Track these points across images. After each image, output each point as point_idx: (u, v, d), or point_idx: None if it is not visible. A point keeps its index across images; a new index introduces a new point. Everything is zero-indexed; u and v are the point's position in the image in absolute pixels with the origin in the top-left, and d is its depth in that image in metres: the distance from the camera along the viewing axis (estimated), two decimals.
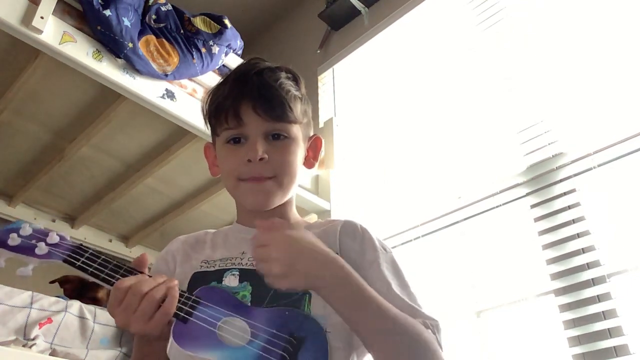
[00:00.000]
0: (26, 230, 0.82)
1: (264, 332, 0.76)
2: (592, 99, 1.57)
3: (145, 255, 0.83)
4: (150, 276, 0.79)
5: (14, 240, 0.80)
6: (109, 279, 0.79)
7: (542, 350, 1.43)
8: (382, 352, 0.76)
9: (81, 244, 0.83)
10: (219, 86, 1.00)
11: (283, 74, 0.97)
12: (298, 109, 0.96)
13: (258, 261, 0.75)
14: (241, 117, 0.91)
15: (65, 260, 0.81)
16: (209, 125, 1.02)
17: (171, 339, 0.75)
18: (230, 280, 0.85)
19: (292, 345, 0.74)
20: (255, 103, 0.91)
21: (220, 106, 0.94)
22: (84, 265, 0.80)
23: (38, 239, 0.81)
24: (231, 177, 0.94)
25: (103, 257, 0.81)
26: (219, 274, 0.87)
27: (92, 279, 0.81)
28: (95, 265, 0.80)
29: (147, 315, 0.74)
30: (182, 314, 0.76)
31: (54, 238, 0.82)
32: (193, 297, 0.78)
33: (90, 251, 0.82)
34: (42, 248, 0.80)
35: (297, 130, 0.96)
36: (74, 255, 0.81)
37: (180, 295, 0.78)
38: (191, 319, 0.76)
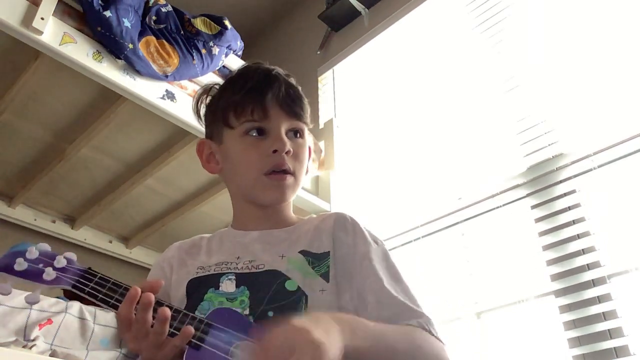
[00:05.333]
0: (33, 254, 0.78)
1: None
2: (593, 100, 1.57)
3: (159, 281, 0.79)
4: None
5: (20, 265, 0.77)
6: (119, 304, 0.76)
7: (542, 351, 1.43)
8: None
9: (89, 268, 0.81)
10: (233, 81, 1.00)
11: (293, 79, 1.01)
12: (309, 113, 1.00)
13: None
14: (268, 110, 0.93)
15: (74, 287, 0.78)
16: (206, 120, 1.03)
17: None
18: (227, 286, 0.85)
19: None
20: (282, 99, 0.94)
21: (245, 98, 0.94)
22: (93, 292, 0.78)
23: (45, 263, 0.78)
24: (253, 170, 0.93)
25: (112, 281, 0.79)
26: (215, 279, 0.86)
27: (102, 305, 0.78)
28: (105, 291, 0.77)
29: (157, 345, 0.73)
30: (195, 341, 0.74)
31: (61, 262, 0.79)
32: (205, 321, 0.76)
33: (99, 275, 0.79)
34: (49, 273, 0.77)
35: (307, 134, 1.00)
36: (83, 281, 0.78)
37: (192, 319, 0.76)
38: (204, 345, 0.74)
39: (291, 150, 0.92)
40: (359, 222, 0.94)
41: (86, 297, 0.78)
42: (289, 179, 0.93)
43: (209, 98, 1.06)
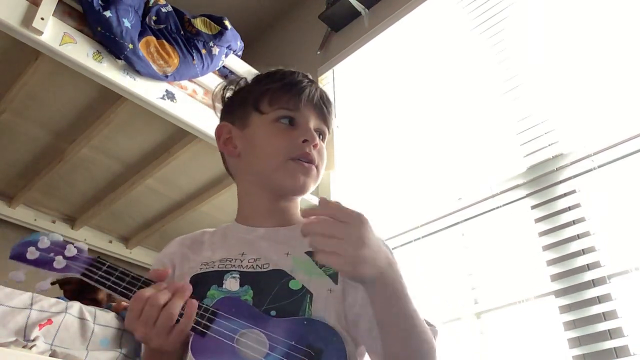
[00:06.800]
0: (44, 243, 0.82)
1: (283, 344, 0.75)
2: (593, 100, 1.57)
3: (167, 270, 0.83)
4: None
5: (32, 254, 0.81)
6: (127, 292, 0.79)
7: (542, 351, 1.43)
8: (395, 345, 0.77)
9: (98, 257, 0.84)
10: (270, 73, 1.04)
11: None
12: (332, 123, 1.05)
13: (324, 251, 0.70)
14: (301, 104, 0.97)
15: (83, 274, 0.81)
16: (230, 106, 1.05)
17: (189, 354, 0.75)
18: (231, 284, 0.84)
19: (310, 357, 0.74)
20: (317, 100, 0.99)
21: (283, 88, 0.98)
22: (101, 279, 0.81)
23: (56, 252, 0.82)
24: (279, 155, 0.94)
25: (120, 269, 0.82)
26: (218, 276, 0.86)
27: (110, 292, 0.81)
28: (113, 279, 0.80)
29: (165, 329, 0.74)
30: (200, 328, 0.76)
31: (71, 251, 0.83)
32: (211, 310, 0.77)
33: (108, 264, 0.82)
34: (60, 262, 0.81)
35: (327, 141, 1.03)
36: (92, 269, 0.82)
37: (199, 308, 0.77)
38: (209, 332, 0.75)
39: (319, 144, 0.96)
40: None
41: (95, 284, 0.81)
42: (314, 169, 0.96)
43: (231, 90, 1.09)
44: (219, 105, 1.09)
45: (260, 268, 0.86)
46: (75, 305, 1.41)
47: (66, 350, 1.33)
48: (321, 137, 1.00)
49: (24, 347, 1.24)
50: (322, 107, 1.00)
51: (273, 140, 0.95)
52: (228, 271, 0.86)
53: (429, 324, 0.82)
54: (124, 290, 0.79)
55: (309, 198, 1.92)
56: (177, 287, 0.78)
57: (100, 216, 2.25)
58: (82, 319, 1.40)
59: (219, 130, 1.03)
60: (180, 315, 0.75)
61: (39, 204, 2.19)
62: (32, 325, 1.29)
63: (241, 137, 0.99)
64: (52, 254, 0.82)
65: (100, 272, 0.81)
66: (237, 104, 1.04)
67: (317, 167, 0.96)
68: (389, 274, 0.74)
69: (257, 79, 1.06)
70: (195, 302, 0.77)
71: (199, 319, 0.76)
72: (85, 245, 0.85)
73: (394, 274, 0.75)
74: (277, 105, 0.96)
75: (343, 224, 0.71)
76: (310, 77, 1.04)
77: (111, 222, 2.31)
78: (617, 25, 1.60)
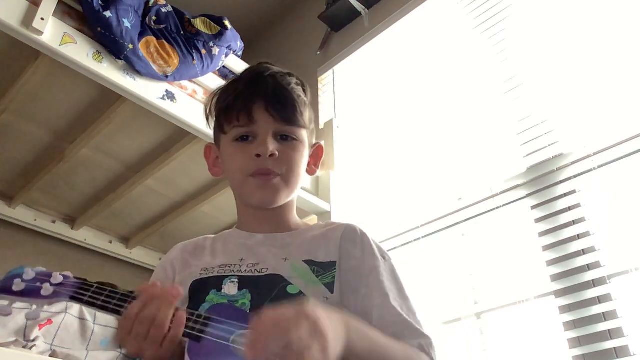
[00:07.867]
0: (29, 275, 0.82)
1: None
2: (593, 100, 1.57)
3: (155, 284, 0.81)
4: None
5: (18, 285, 0.80)
6: (118, 309, 0.77)
7: (542, 351, 1.43)
8: None
9: (85, 280, 0.83)
10: (228, 85, 1.01)
11: (294, 80, 0.99)
12: (306, 115, 0.99)
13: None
14: (253, 116, 0.93)
15: (72, 297, 0.80)
16: (212, 124, 1.03)
17: (187, 357, 0.74)
18: (230, 288, 0.85)
19: None
20: (268, 103, 0.93)
21: (233, 104, 0.95)
22: (91, 300, 0.79)
23: (42, 280, 0.81)
24: (239, 173, 0.94)
25: (109, 289, 0.80)
26: (217, 281, 0.87)
27: (101, 312, 0.80)
28: (103, 298, 0.79)
29: (157, 341, 0.73)
30: (195, 333, 0.75)
31: (57, 278, 0.82)
32: (204, 316, 0.77)
33: (96, 285, 0.81)
34: (47, 289, 0.80)
35: (304, 135, 0.98)
36: (80, 292, 0.81)
37: (191, 315, 0.76)
38: (204, 336, 0.75)
39: (276, 153, 0.92)
40: (369, 235, 0.93)
41: (85, 306, 0.81)
42: (275, 179, 0.93)
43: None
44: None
45: (259, 272, 0.86)
46: (75, 306, 1.41)
47: (66, 350, 1.33)
48: (289, 138, 0.95)
49: (24, 347, 1.24)
50: (278, 107, 0.93)
51: (232, 161, 0.96)
52: (227, 276, 0.87)
53: (421, 336, 0.81)
54: (115, 308, 0.78)
55: (317, 202, 1.93)
56: (164, 293, 0.75)
57: (100, 216, 2.24)
58: (82, 319, 1.41)
59: (206, 153, 1.05)
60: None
61: (39, 204, 2.19)
62: (32, 325, 1.29)
63: (220, 157, 1.01)
64: (38, 283, 0.81)
65: (89, 294, 0.80)
66: (214, 125, 1.04)
67: (282, 175, 0.93)
68: (350, 335, 0.70)
69: (217, 94, 1.03)
70: (183, 313, 0.75)
71: (193, 325, 0.75)
72: (70, 273, 0.84)
73: (352, 332, 0.71)
74: (232, 124, 0.94)
75: (288, 331, 0.61)
76: (268, 72, 0.97)
77: (111, 222, 2.31)
78: (617, 25, 1.60)
